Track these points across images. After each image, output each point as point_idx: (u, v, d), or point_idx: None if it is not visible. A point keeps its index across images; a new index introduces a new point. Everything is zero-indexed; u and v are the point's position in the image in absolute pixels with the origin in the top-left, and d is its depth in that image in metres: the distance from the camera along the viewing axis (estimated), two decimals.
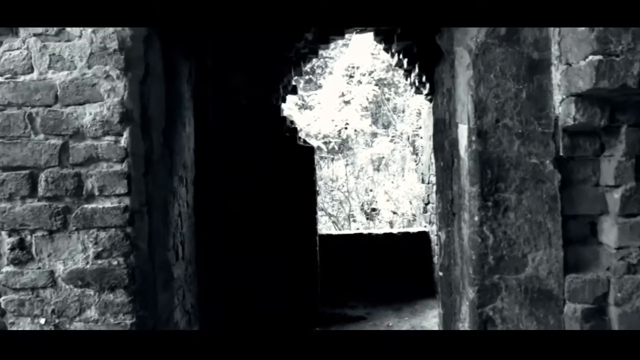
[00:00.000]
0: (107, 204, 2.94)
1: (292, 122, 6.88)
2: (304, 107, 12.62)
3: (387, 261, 7.16)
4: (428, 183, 7.18)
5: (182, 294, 5.06)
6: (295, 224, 6.32)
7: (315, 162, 6.82)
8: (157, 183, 3.81)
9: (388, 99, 14.95)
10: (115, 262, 2.93)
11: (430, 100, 7.00)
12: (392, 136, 12.27)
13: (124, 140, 3.00)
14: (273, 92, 6.44)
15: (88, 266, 2.94)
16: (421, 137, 7.55)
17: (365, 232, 7.37)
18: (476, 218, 3.10)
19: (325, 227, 10.78)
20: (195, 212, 5.81)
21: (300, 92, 12.70)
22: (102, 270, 2.94)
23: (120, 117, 3.02)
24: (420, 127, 12.67)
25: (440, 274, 4.52)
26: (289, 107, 10.85)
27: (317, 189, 7.03)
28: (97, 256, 2.93)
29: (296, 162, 6.38)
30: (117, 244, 2.92)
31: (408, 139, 13.19)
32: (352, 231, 7.74)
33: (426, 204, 7.34)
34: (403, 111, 14.65)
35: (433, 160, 6.86)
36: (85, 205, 2.97)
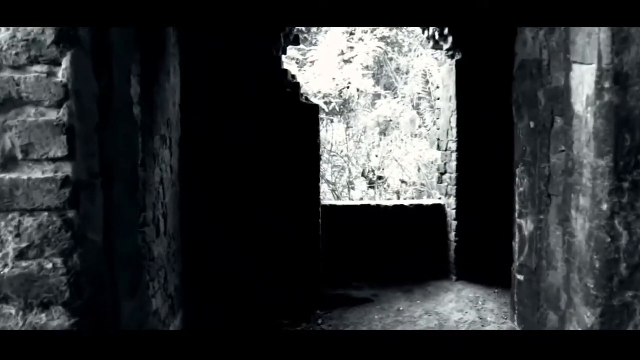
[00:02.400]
0: (37, 173, 1.94)
1: (293, 76, 6.14)
2: (302, 63, 11.76)
3: (397, 237, 6.50)
4: (446, 150, 6.46)
5: (164, 275, 4.36)
6: (296, 193, 5.71)
7: (320, 122, 6.08)
8: (121, 142, 2.81)
9: (391, 59, 14.14)
10: (49, 265, 1.93)
11: (452, 57, 6.24)
12: (402, 97, 11.48)
13: (62, 73, 2.01)
14: (274, 41, 5.67)
15: (6, 271, 1.94)
16: (437, 99, 6.80)
17: (373, 203, 6.68)
18: (604, 206, 2.23)
19: (323, 195, 10.09)
20: (182, 178, 5.09)
21: (297, 50, 11.82)
22: (28, 278, 1.94)
23: (57, 36, 2.02)
24: (433, 88, 11.91)
25: (520, 277, 3.55)
26: (287, 63, 10.01)
27: (321, 153, 6.29)
28: (21, 256, 1.93)
29: (298, 122, 5.66)
30: (52, 237, 1.93)
31: (412, 102, 12.43)
32: (358, 202, 7.04)
33: (442, 174, 6.64)
34: (407, 72, 13.86)
35: (453, 125, 6.14)
36: (1, 176, 1.95)
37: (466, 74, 6.05)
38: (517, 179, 3.45)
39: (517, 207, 3.40)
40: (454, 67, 6.12)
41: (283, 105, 5.66)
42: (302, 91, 6.10)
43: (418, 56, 13.47)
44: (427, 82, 12.45)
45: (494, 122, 6.06)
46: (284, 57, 6.28)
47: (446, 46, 6.30)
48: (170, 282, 4.47)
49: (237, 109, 5.52)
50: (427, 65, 12.64)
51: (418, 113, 11.99)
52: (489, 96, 6.05)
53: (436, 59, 13.17)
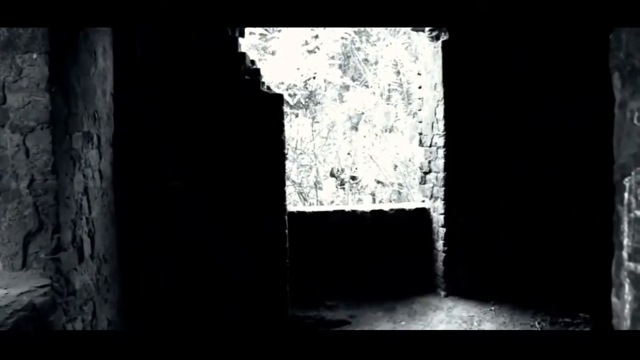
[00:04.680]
0: None
1: (252, 62, 5.35)
2: (264, 51, 10.94)
3: (376, 246, 5.79)
4: (430, 146, 5.75)
5: (91, 309, 3.51)
6: (257, 199, 4.96)
7: (284, 115, 5.30)
8: None
9: (359, 49, 13.46)
10: None
11: (437, 38, 5.53)
12: (376, 87, 10.75)
13: None
14: None
15: None
16: (419, 87, 6.09)
17: (348, 208, 5.94)
18: None
19: (288, 198, 9.32)
20: (116, 185, 4.24)
21: (258, 35, 11.00)
22: None
23: None
24: (404, 78, 11.25)
25: None
26: (246, 50, 9.16)
27: (286, 151, 5.52)
28: None
29: (259, 115, 4.89)
30: None
31: (382, 94, 11.76)
32: (331, 207, 6.30)
33: (425, 173, 5.94)
34: (376, 63, 13.20)
35: (439, 116, 5.45)
36: None
37: (454, 58, 5.35)
38: (626, 196, 2.42)
39: (625, 240, 2.39)
40: (439, 49, 5.41)
41: (240, 95, 4.87)
42: (263, 79, 5.31)
43: (387, 45, 12.82)
44: (398, 72, 11.81)
45: (489, 113, 5.39)
46: (241, 41, 5.49)
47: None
48: (100, 316, 3.63)
49: (183, 99, 4.70)
50: (397, 54, 12.02)
51: (388, 104, 11.33)
52: (482, 82, 5.37)
53: (406, 48, 12.58)
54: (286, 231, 5.18)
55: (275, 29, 11.27)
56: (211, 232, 4.82)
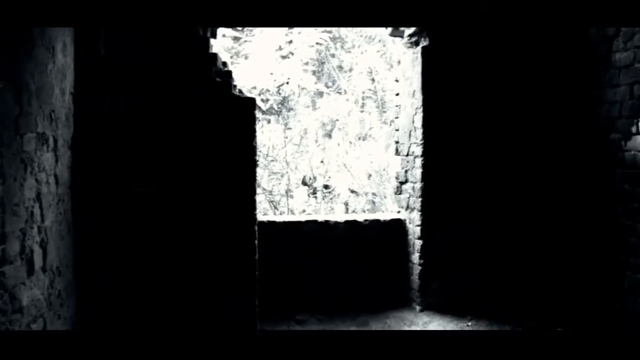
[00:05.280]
0: None
1: (224, 63, 5.12)
2: (237, 55, 10.68)
3: (349, 258, 5.58)
4: (407, 155, 5.58)
5: (41, 326, 3.22)
6: (227, 207, 4.71)
7: (257, 120, 5.08)
8: None
9: (333, 56, 13.30)
10: None
11: (416, 44, 5.37)
12: (350, 94, 10.57)
13: None
14: None
15: None
16: (397, 94, 5.92)
17: (321, 218, 5.72)
18: None
19: (259, 206, 9.07)
20: (75, 191, 3.95)
21: (231, 38, 10.74)
22: None
23: None
24: (379, 86, 11.12)
25: None
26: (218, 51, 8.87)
27: (257, 158, 5.29)
28: None
29: (230, 119, 4.67)
30: None
31: (356, 101, 11.60)
32: (303, 217, 6.06)
33: (401, 183, 5.76)
34: (350, 70, 13.06)
35: (417, 124, 5.29)
36: None
37: (434, 64, 5.19)
38: None
39: None
40: (418, 55, 5.24)
41: (210, 98, 4.63)
42: (235, 83, 5.08)
43: (362, 52, 12.70)
44: (373, 80, 11.68)
45: (469, 122, 5.24)
46: (213, 42, 5.28)
47: (408, 31, 5.43)
48: None
49: (150, 100, 4.44)
50: (372, 63, 11.90)
51: (362, 112, 11.18)
52: (463, 90, 5.22)
53: (381, 55, 12.46)
54: (256, 242, 4.94)
55: (249, 32, 11.04)
56: (176, 242, 4.56)
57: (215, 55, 4.86)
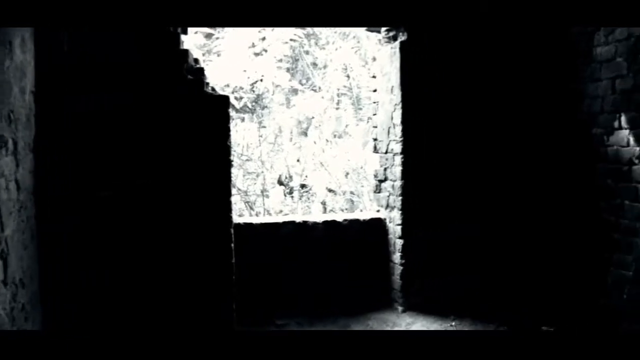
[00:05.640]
0: None
1: (196, 60, 4.93)
2: (208, 52, 10.45)
3: (329, 259, 5.43)
4: (386, 152, 5.45)
5: None
6: (201, 210, 4.55)
7: (231, 119, 4.90)
8: None
9: (307, 52, 13.15)
10: None
11: (394, 38, 5.24)
12: (325, 91, 10.42)
13: None
14: None
15: None
16: (374, 91, 5.78)
17: (299, 219, 5.56)
18: None
19: (234, 207, 8.88)
20: (39, 197, 3.73)
21: (202, 35, 10.50)
22: None
23: None
24: (354, 83, 10.99)
25: None
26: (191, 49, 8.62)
27: (232, 157, 5.11)
28: None
29: (202, 118, 4.51)
30: None
31: (332, 98, 11.46)
32: (280, 218, 5.90)
33: (380, 181, 5.63)
34: (325, 67, 12.92)
35: (396, 121, 5.16)
36: None
37: (413, 59, 5.06)
38: None
39: None
40: (397, 50, 5.11)
41: (182, 96, 4.46)
42: (207, 80, 4.90)
43: (337, 49, 12.56)
44: (348, 77, 11.55)
45: (450, 118, 5.12)
46: (184, 38, 5.09)
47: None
48: None
49: (116, 98, 4.25)
50: (347, 59, 11.77)
51: (338, 109, 11.04)
52: (443, 85, 5.10)
53: (356, 52, 12.34)
54: (232, 245, 4.78)
55: (221, 29, 10.82)
56: (148, 248, 4.38)
57: (186, 51, 4.67)
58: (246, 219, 5.79)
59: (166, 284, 4.47)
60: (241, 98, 9.87)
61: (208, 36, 10.40)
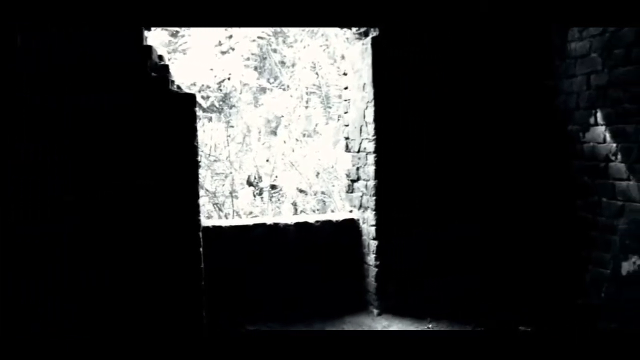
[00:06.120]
0: None
1: (160, 57, 4.74)
2: (174, 50, 10.19)
3: (302, 262, 5.29)
4: (358, 151, 5.32)
5: None
6: (168, 213, 4.38)
7: (197, 118, 4.72)
8: None
9: (275, 51, 12.97)
10: None
11: (365, 34, 5.11)
12: (294, 89, 10.25)
13: None
14: None
15: None
16: (346, 88, 5.65)
17: (270, 221, 5.39)
18: None
19: (203, 209, 8.65)
20: None
21: (168, 32, 10.23)
22: None
23: None
24: (323, 81, 10.85)
25: None
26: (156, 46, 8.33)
27: (199, 158, 4.92)
28: None
29: (167, 118, 4.34)
30: None
31: (301, 97, 11.30)
32: (250, 220, 5.73)
33: (353, 181, 5.50)
34: (293, 65, 12.76)
35: (368, 119, 5.04)
36: None
37: (385, 55, 4.94)
38: None
39: None
40: (368, 46, 4.98)
41: (145, 94, 4.26)
42: (173, 78, 4.70)
43: (305, 47, 12.41)
44: (317, 75, 11.40)
45: (425, 115, 5.01)
46: (148, 34, 4.90)
47: None
48: None
49: (75, 97, 4.04)
50: (315, 57, 11.62)
51: (307, 107, 10.88)
52: (417, 82, 4.99)
53: (324, 50, 12.21)
54: (201, 249, 4.60)
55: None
56: (109, 255, 4.19)
57: (149, 47, 4.48)
58: (215, 221, 5.60)
59: (136, 290, 4.30)
60: (208, 97, 9.64)
61: (174, 34, 10.15)
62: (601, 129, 4.28)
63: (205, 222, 5.33)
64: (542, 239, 5.09)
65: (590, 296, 4.47)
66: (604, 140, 4.27)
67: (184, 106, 4.48)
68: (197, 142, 4.64)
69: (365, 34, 5.12)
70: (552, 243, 4.96)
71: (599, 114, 4.31)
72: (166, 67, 4.58)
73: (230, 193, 9.09)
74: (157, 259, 4.36)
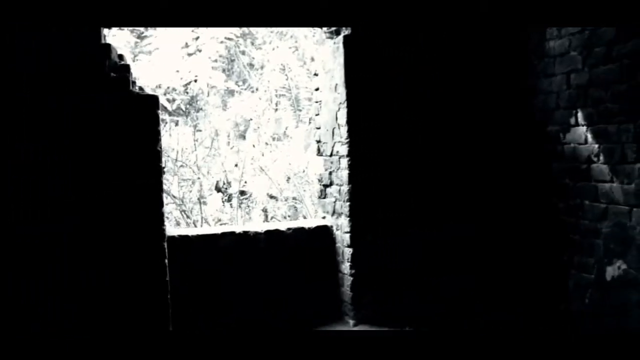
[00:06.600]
0: None
1: (120, 56, 4.47)
2: (140, 51, 9.86)
3: (273, 272, 5.03)
4: (331, 155, 5.11)
5: None
6: (129, 223, 4.16)
7: (160, 121, 4.46)
8: None
9: (243, 52, 12.72)
10: None
11: (337, 33, 4.91)
12: (263, 92, 9.99)
13: None
14: None
15: None
16: (317, 89, 5.44)
17: (239, 229, 5.14)
18: None
19: (170, 216, 8.34)
20: None
21: (131, 34, 9.90)
22: None
23: None
24: (292, 83, 10.65)
25: None
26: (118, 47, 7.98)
27: (164, 165, 4.66)
28: None
29: (128, 121, 4.09)
30: None
31: (270, 99, 11.07)
32: (219, 228, 5.46)
33: (325, 186, 5.29)
34: (262, 67, 12.53)
35: (341, 121, 4.84)
36: None
37: (358, 54, 4.73)
38: None
39: None
40: (340, 45, 4.77)
41: (103, 95, 4.01)
42: (134, 79, 4.45)
43: (274, 49, 12.19)
44: (287, 77, 11.19)
45: (400, 117, 4.82)
46: (107, 33, 4.64)
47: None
48: None
49: (26, 99, 3.77)
50: (284, 59, 11.42)
51: (277, 110, 10.66)
52: (391, 82, 4.79)
53: (294, 52, 12.01)
54: (166, 261, 4.34)
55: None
56: (67, 268, 3.92)
57: (108, 46, 4.22)
58: (181, 230, 5.32)
59: (90, 308, 4.05)
60: (174, 100, 9.34)
61: (139, 36, 9.82)
62: (582, 129, 4.14)
63: (171, 231, 5.05)
64: (523, 243, 4.93)
65: (573, 302, 4.33)
66: (586, 141, 4.13)
67: (146, 108, 4.24)
68: (161, 147, 4.37)
69: (337, 33, 4.92)
70: (534, 246, 4.80)
71: (579, 114, 4.17)
72: (127, 67, 4.32)
73: (199, 199, 8.80)
74: (121, 271, 4.13)
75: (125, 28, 9.21)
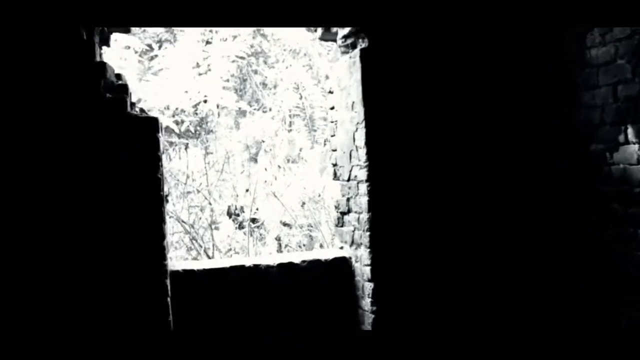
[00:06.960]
0: None
1: (118, 75, 4.12)
2: (148, 70, 9.57)
3: (286, 309, 4.59)
4: (348, 180, 4.67)
5: None
6: (126, 260, 3.79)
7: (162, 145, 4.07)
8: None
9: (256, 72, 12.42)
10: None
11: (353, 46, 4.49)
12: (277, 112, 9.63)
13: None
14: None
15: None
16: (332, 108, 5.02)
17: (249, 262, 4.70)
18: None
19: (178, 245, 7.94)
20: None
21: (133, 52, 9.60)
22: None
23: None
24: (307, 102, 10.31)
25: None
26: (121, 66, 7.66)
27: (166, 193, 4.25)
28: None
29: (124, 145, 3.71)
30: None
31: (283, 120, 10.70)
32: (227, 262, 5.04)
33: (343, 213, 4.85)
34: (275, 86, 12.21)
35: (359, 143, 4.41)
36: None
37: (376, 69, 4.30)
38: None
39: None
40: (357, 60, 4.35)
41: (97, 119, 3.64)
42: (137, 100, 4.07)
43: (287, 67, 11.86)
44: (300, 96, 10.83)
45: (422, 137, 4.37)
46: (104, 49, 4.31)
47: (342, 32, 4.56)
48: None
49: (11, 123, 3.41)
50: (298, 78, 11.09)
51: (290, 131, 10.29)
52: (412, 99, 4.35)
53: (307, 70, 11.69)
54: (168, 299, 3.93)
55: (164, 44, 9.99)
56: (61, 311, 3.53)
57: (103, 64, 3.87)
58: (186, 264, 4.87)
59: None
60: (182, 122, 8.99)
61: (151, 58, 9.53)
62: (634, 147, 3.65)
63: (174, 265, 4.62)
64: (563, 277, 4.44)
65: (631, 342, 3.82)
66: (638, 162, 3.64)
67: (145, 132, 3.86)
68: (162, 174, 3.98)
69: (353, 46, 4.51)
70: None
71: (629, 130, 3.69)
72: (124, 87, 3.97)
73: (210, 225, 8.40)
74: (117, 314, 3.74)
75: (132, 47, 8.91)
